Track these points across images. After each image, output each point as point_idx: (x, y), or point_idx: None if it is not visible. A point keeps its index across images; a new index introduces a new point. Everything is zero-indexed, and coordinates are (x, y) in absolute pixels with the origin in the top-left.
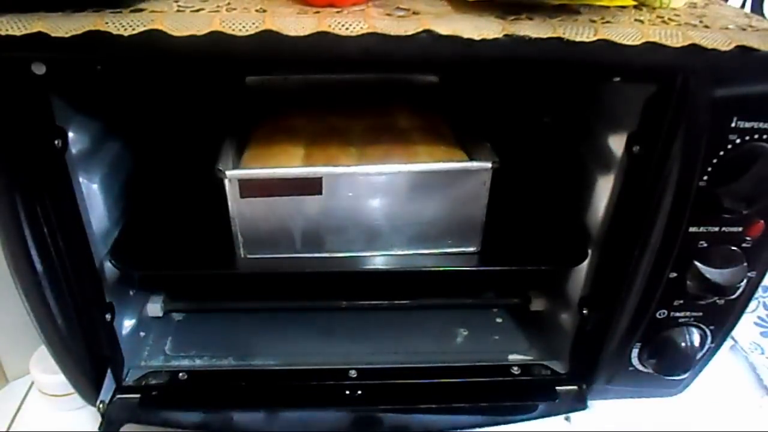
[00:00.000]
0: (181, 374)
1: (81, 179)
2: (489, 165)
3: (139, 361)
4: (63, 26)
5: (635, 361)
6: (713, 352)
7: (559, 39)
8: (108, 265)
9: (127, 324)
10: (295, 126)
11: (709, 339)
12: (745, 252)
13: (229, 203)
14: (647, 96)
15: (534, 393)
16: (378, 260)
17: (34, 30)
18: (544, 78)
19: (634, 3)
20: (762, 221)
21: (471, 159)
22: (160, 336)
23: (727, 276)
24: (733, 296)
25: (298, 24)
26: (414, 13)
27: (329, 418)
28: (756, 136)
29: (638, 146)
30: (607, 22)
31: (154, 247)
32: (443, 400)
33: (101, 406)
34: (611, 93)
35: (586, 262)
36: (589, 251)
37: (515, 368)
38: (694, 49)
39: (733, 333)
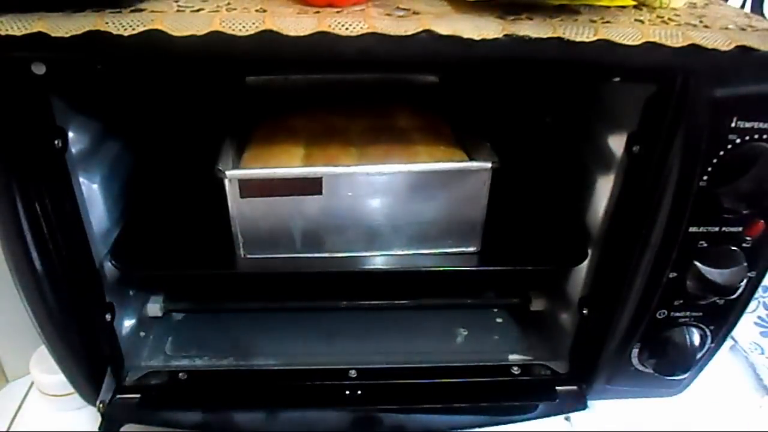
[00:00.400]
0: (181, 374)
1: (81, 179)
2: (489, 165)
3: (139, 361)
4: (63, 26)
5: (635, 361)
6: (713, 352)
7: (559, 39)
8: (108, 265)
9: (127, 324)
10: (295, 126)
11: (709, 339)
12: (745, 252)
13: (229, 203)
14: (647, 96)
15: (534, 393)
16: (378, 260)
17: (34, 30)
18: (544, 78)
19: (634, 3)
20: (762, 221)
21: (471, 159)
22: (160, 336)
23: (727, 276)
24: (733, 296)
25: (298, 24)
26: (414, 13)
27: (329, 418)
28: (756, 136)
29: (638, 146)
30: (607, 22)
31: (154, 247)
32: (443, 400)
33: (101, 406)
34: (611, 93)
35: (586, 262)
36: (589, 251)
37: (515, 368)
38: (694, 49)
39: (733, 333)
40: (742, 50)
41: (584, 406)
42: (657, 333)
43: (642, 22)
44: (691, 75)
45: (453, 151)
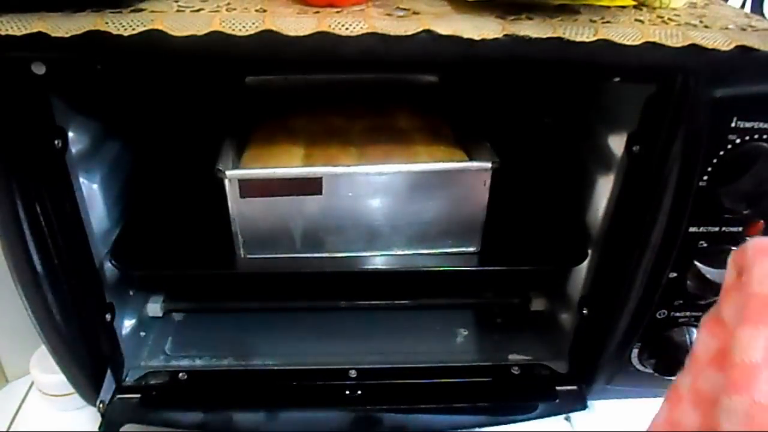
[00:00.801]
0: (181, 374)
1: (81, 179)
2: (489, 165)
3: (139, 361)
4: (63, 26)
5: (635, 361)
6: None
7: (559, 39)
8: (108, 265)
9: (127, 324)
10: (295, 126)
11: None
12: None
13: (229, 203)
14: (647, 96)
15: (534, 393)
16: (378, 260)
17: (34, 30)
18: (544, 78)
19: (634, 3)
20: (762, 221)
21: (471, 159)
22: (160, 336)
23: None
24: None
25: (298, 24)
26: (414, 13)
27: (329, 418)
28: (756, 136)
29: (638, 146)
30: (607, 22)
31: (154, 247)
32: (443, 400)
33: (101, 406)
34: (611, 93)
35: (586, 262)
36: (589, 251)
37: (515, 368)
38: (694, 49)
39: None
40: (742, 50)
41: (584, 406)
42: (657, 333)
43: (642, 22)
44: (691, 75)
45: (453, 151)
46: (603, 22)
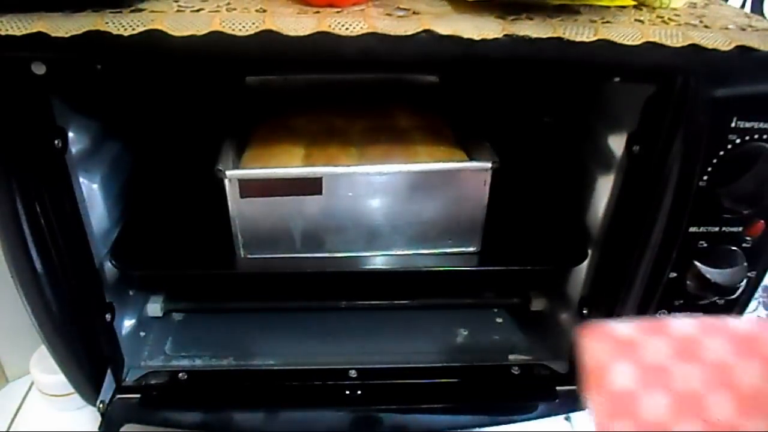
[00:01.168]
0: (181, 374)
1: (81, 179)
2: (489, 165)
3: (139, 361)
4: (63, 26)
5: None
6: None
7: (559, 39)
8: (108, 265)
9: (127, 324)
10: (295, 126)
11: None
12: (745, 252)
13: (229, 203)
14: (647, 96)
15: (534, 393)
16: (378, 260)
17: (34, 30)
18: (544, 78)
19: (634, 3)
20: (762, 221)
21: (471, 159)
22: (160, 336)
23: (727, 276)
24: (733, 296)
25: (298, 24)
26: (414, 13)
27: (329, 418)
28: (756, 136)
29: (638, 146)
30: (607, 22)
31: (154, 247)
32: (443, 400)
33: (101, 406)
34: (611, 93)
35: (586, 262)
36: (589, 251)
37: (515, 368)
38: (694, 49)
39: None
40: (742, 50)
41: (584, 406)
42: None
43: (642, 22)
44: (691, 75)
45: (453, 151)
46: (603, 22)
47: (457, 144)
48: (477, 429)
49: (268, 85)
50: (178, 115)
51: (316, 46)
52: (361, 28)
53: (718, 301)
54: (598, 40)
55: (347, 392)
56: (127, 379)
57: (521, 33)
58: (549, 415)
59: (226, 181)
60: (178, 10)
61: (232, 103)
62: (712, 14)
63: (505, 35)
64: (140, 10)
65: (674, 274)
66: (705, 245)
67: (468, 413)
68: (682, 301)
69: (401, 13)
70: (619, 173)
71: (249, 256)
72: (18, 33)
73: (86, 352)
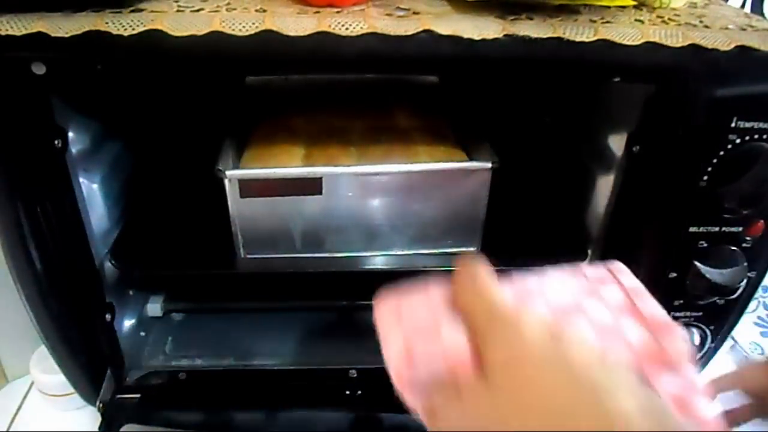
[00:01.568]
0: (181, 374)
1: (81, 179)
2: (489, 165)
3: (139, 361)
4: (63, 26)
5: None
6: (713, 352)
7: (559, 39)
8: (108, 265)
9: (127, 324)
10: (295, 126)
11: (709, 339)
12: (745, 252)
13: (229, 203)
14: (647, 96)
15: None
16: (378, 260)
17: (34, 30)
18: (544, 78)
19: (634, 3)
20: (762, 221)
21: (471, 159)
22: (160, 336)
23: (727, 276)
24: (733, 296)
25: (298, 24)
26: (414, 13)
27: (329, 418)
28: (756, 136)
29: (638, 146)
30: (607, 22)
31: (154, 247)
32: None
33: (101, 406)
34: (611, 93)
35: (585, 262)
36: (589, 251)
37: None
38: (694, 49)
39: (733, 333)
40: (742, 50)
41: None
42: None
43: (642, 22)
44: (691, 75)
45: (453, 151)
46: (603, 22)
47: (457, 144)
48: None
49: (268, 85)
50: (178, 115)
51: (316, 46)
52: (361, 28)
53: (718, 301)
54: (598, 40)
55: (347, 392)
56: (127, 379)
57: (521, 33)
58: None
59: (226, 181)
60: (178, 10)
61: (232, 103)
62: (712, 14)
63: (505, 35)
64: (140, 10)
65: (674, 274)
66: (705, 245)
67: None
68: (682, 301)
69: (401, 13)
70: (619, 173)
71: (249, 256)
72: (18, 33)
73: (86, 352)
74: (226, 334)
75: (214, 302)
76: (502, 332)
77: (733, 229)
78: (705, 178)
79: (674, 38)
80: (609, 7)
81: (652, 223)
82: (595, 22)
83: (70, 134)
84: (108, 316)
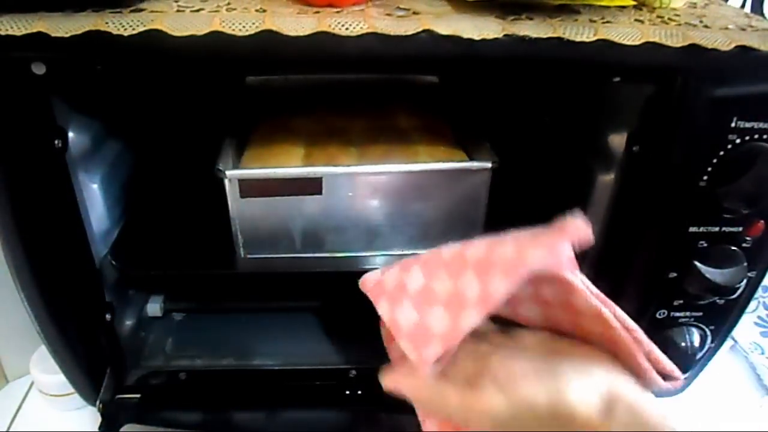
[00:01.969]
0: (181, 374)
1: (81, 179)
2: (489, 165)
3: (139, 361)
4: (63, 26)
5: None
6: (713, 352)
7: (559, 39)
8: (108, 265)
9: (127, 324)
10: (295, 126)
11: (709, 339)
12: (745, 252)
13: (229, 203)
14: (647, 96)
15: None
16: (378, 260)
17: (34, 30)
18: (544, 78)
19: (634, 3)
20: (762, 221)
21: (471, 159)
22: (160, 336)
23: (727, 276)
24: (733, 296)
25: (298, 24)
26: (414, 13)
27: (329, 418)
28: (756, 136)
29: (638, 146)
30: (607, 22)
31: (154, 247)
32: None
33: (101, 406)
34: (611, 93)
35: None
36: (589, 251)
37: None
38: (694, 49)
39: (733, 333)
40: (742, 50)
41: None
42: (657, 333)
43: (642, 22)
44: (691, 75)
45: (453, 151)
46: (603, 22)
47: (457, 144)
48: None
49: (268, 85)
50: (178, 115)
51: (316, 46)
52: (361, 28)
53: (718, 301)
54: (598, 40)
55: (347, 392)
56: (127, 379)
57: (521, 33)
58: None
59: (226, 181)
60: (178, 10)
61: (232, 103)
62: (712, 14)
63: (505, 35)
64: (140, 10)
65: (674, 274)
66: (705, 245)
67: None
68: (682, 301)
69: (401, 13)
70: (619, 173)
71: (249, 256)
72: (18, 33)
73: (86, 352)
74: (226, 334)
75: (214, 302)
76: None
77: (733, 229)
78: (705, 178)
79: (674, 38)
80: (609, 7)
81: (652, 223)
82: (595, 22)
83: (70, 134)
84: (108, 316)
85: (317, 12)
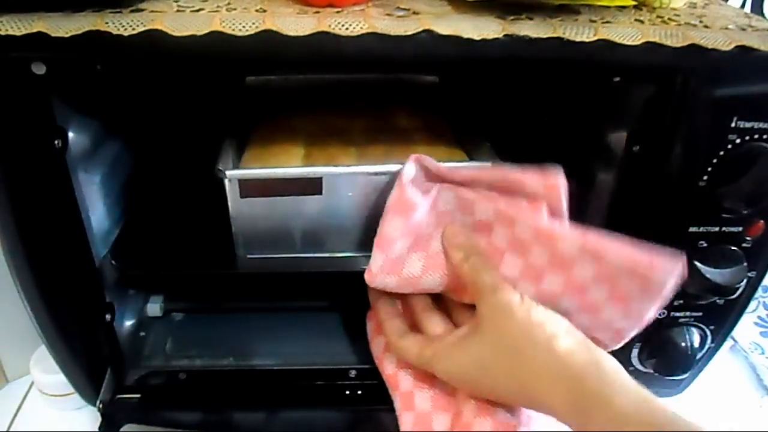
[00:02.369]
0: (181, 374)
1: (81, 179)
2: (489, 165)
3: (139, 361)
4: (63, 26)
5: (635, 361)
6: (713, 352)
7: (559, 39)
8: (108, 265)
9: (127, 324)
10: (295, 126)
11: (709, 339)
12: (745, 252)
13: (229, 203)
14: (647, 96)
15: None
16: None
17: (34, 30)
18: (544, 78)
19: (634, 3)
20: (762, 221)
21: (471, 159)
22: (160, 336)
23: (727, 276)
24: (733, 296)
25: (298, 24)
26: (414, 13)
27: (329, 418)
28: (756, 136)
29: (638, 146)
30: (607, 22)
31: (154, 247)
32: None
33: (101, 406)
34: (611, 93)
35: None
36: None
37: None
38: (694, 49)
39: (733, 333)
40: (742, 50)
41: None
42: (657, 333)
43: (642, 22)
44: (691, 75)
45: (453, 151)
46: (603, 22)
47: (457, 144)
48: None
49: (268, 85)
50: (178, 115)
51: (316, 46)
52: (361, 28)
53: (718, 301)
54: (598, 40)
55: (347, 392)
56: (127, 379)
57: (521, 33)
58: None
59: (226, 181)
60: (178, 10)
61: (232, 103)
62: (712, 14)
63: (505, 35)
64: (140, 10)
65: None
66: (705, 245)
67: None
68: (682, 301)
69: (401, 13)
70: (619, 173)
71: (249, 256)
72: (18, 33)
73: (86, 352)
74: (226, 334)
75: (214, 302)
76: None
77: (733, 229)
78: (705, 178)
79: (674, 38)
80: (609, 7)
81: (652, 223)
82: (595, 22)
83: (70, 134)
84: (108, 316)
85: (317, 12)
